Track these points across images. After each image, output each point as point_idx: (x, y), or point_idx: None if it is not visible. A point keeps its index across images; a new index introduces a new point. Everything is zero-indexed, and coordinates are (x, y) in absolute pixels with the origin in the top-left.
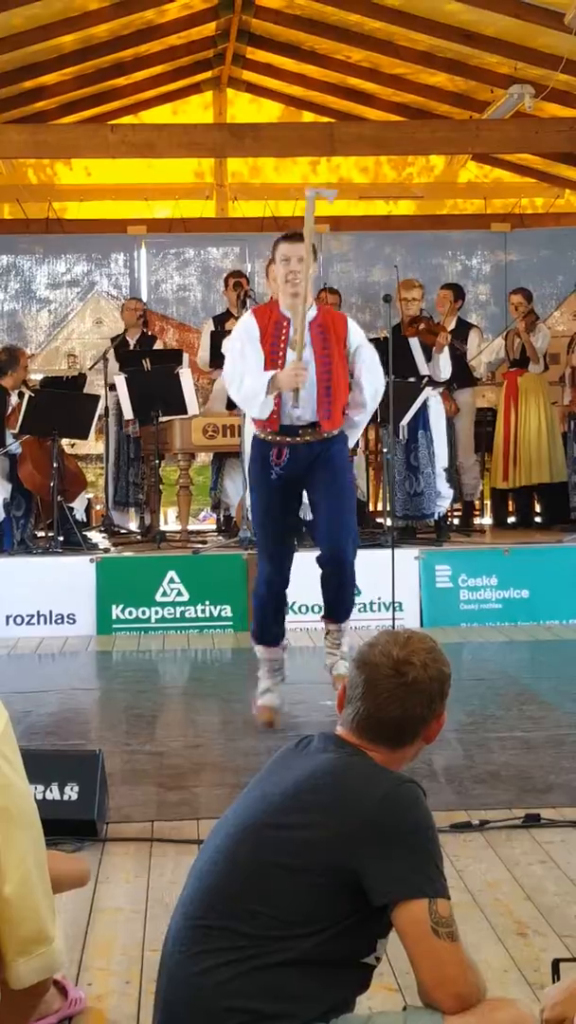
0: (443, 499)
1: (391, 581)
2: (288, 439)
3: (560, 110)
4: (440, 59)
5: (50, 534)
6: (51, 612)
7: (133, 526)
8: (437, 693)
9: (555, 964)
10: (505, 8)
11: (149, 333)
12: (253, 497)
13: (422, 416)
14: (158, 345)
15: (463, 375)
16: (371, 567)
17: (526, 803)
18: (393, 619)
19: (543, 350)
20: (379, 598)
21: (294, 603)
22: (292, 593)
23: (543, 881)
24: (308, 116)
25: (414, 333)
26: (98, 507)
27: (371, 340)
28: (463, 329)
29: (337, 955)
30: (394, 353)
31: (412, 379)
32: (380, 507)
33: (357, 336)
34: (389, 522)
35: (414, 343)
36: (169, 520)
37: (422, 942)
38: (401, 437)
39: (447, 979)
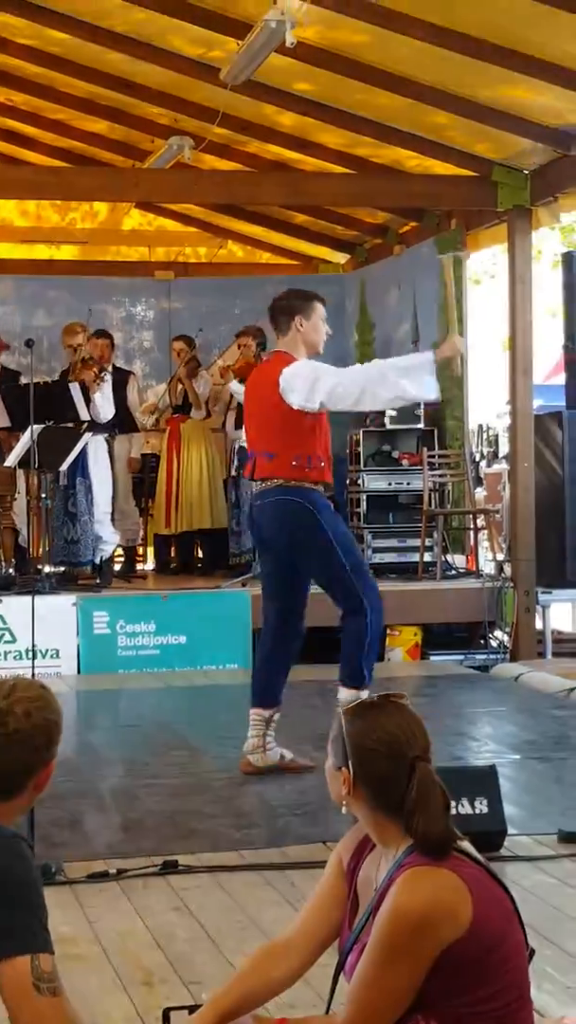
0: (105, 544)
1: (32, 628)
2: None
3: (218, 162)
4: (101, 107)
5: None
6: None
7: None
8: (43, 743)
9: (165, 1013)
10: (164, 61)
11: None
12: (347, 539)
13: (81, 461)
14: None
15: (125, 421)
16: (27, 614)
17: (167, 850)
18: (33, 668)
19: (205, 396)
20: (36, 645)
21: None
22: None
23: (175, 929)
24: None
25: (77, 378)
26: None
27: (12, 386)
28: (122, 375)
29: None
30: (55, 398)
31: (71, 424)
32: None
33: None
34: (48, 568)
35: (74, 388)
36: None
37: (24, 999)
38: (60, 483)
39: None
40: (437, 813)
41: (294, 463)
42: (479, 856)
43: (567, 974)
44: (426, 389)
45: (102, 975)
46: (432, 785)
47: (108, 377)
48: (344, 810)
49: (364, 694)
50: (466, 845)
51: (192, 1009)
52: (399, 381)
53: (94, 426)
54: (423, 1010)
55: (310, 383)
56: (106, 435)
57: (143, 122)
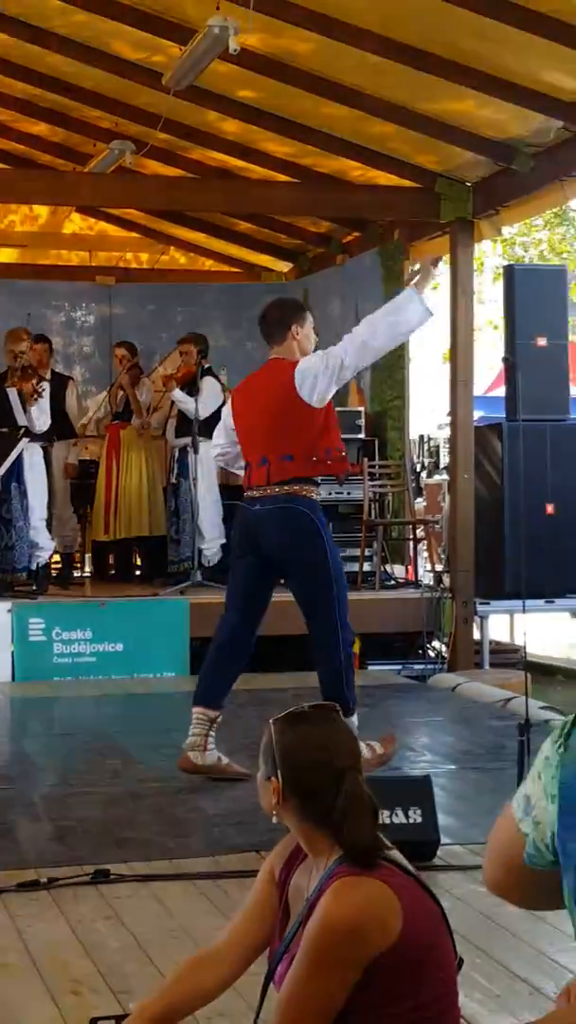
0: (41, 551)
1: None
2: None
3: (160, 167)
4: (42, 109)
5: None
6: None
7: None
8: None
9: (93, 1022)
10: (106, 64)
11: None
12: (340, 565)
13: (16, 468)
14: None
15: (64, 427)
16: None
17: (99, 859)
18: None
19: (147, 404)
20: None
21: None
22: None
23: (105, 938)
24: None
25: (15, 384)
26: None
27: None
28: (61, 380)
29: None
30: None
31: (6, 429)
32: None
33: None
34: None
35: (12, 393)
36: None
37: None
38: None
39: None
40: (365, 823)
41: (314, 459)
42: (409, 866)
43: (496, 982)
44: (419, 316)
45: (30, 984)
46: (360, 795)
47: (46, 391)
48: (274, 820)
49: (354, 718)
50: (396, 855)
51: (119, 1019)
52: (393, 323)
53: (30, 432)
54: (351, 1020)
55: (327, 368)
56: (42, 442)
57: (85, 126)
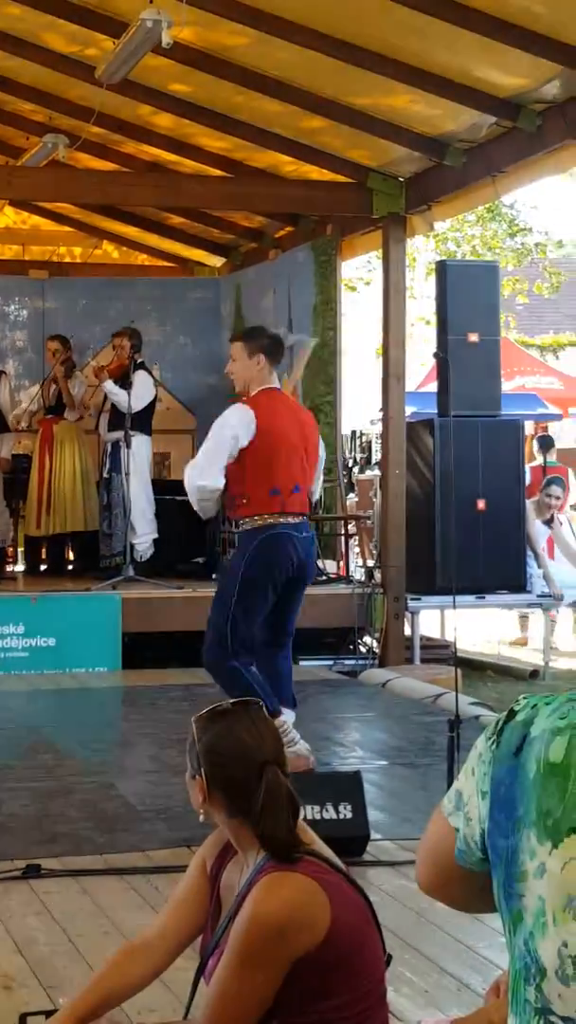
0: None
1: None
2: None
3: (94, 161)
4: None
5: None
6: None
7: None
8: None
9: (22, 1018)
10: (39, 57)
11: None
12: None
13: None
14: None
15: None
16: None
17: (30, 854)
18: None
19: (79, 397)
20: None
21: None
22: None
23: (36, 933)
24: None
25: None
26: None
27: None
28: None
29: None
30: None
31: None
32: None
33: None
34: None
35: None
36: None
37: None
38: None
39: None
40: (281, 818)
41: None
42: (338, 861)
43: (425, 977)
44: None
45: None
46: (279, 790)
47: None
48: (202, 818)
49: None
50: (324, 850)
51: (49, 1014)
52: None
53: None
54: (280, 1016)
55: None
56: None
57: (17, 119)
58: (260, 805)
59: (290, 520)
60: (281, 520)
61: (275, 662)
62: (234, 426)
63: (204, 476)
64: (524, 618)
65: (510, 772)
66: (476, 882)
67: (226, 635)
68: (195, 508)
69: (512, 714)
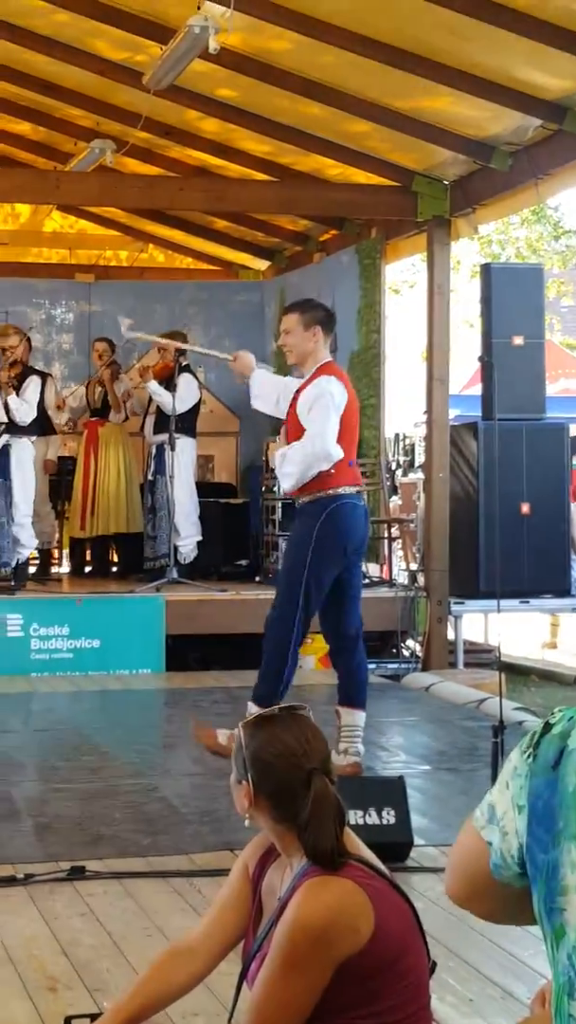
0: (22, 547)
1: None
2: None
3: (139, 166)
4: (23, 108)
5: None
6: None
7: None
8: None
9: (67, 1021)
10: (87, 63)
11: None
12: None
13: (2, 463)
14: None
15: (43, 423)
16: None
17: (75, 855)
18: None
19: (125, 399)
20: None
21: None
22: None
23: (81, 935)
24: None
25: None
26: None
27: None
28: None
29: None
30: None
31: None
32: None
33: (306, 400)
34: None
35: None
36: None
37: None
38: None
39: None
40: (328, 828)
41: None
42: (382, 867)
43: (469, 986)
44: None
45: (6, 980)
46: (326, 798)
47: (31, 383)
48: (247, 823)
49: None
50: (369, 855)
51: (93, 1018)
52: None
53: (14, 427)
54: (323, 1021)
55: None
56: (32, 437)
57: (65, 124)
58: (307, 814)
59: (356, 490)
60: (352, 490)
61: (351, 658)
62: (336, 395)
63: (335, 446)
64: (555, 625)
65: (549, 785)
66: (512, 895)
67: (297, 605)
68: (289, 483)
69: (548, 727)
